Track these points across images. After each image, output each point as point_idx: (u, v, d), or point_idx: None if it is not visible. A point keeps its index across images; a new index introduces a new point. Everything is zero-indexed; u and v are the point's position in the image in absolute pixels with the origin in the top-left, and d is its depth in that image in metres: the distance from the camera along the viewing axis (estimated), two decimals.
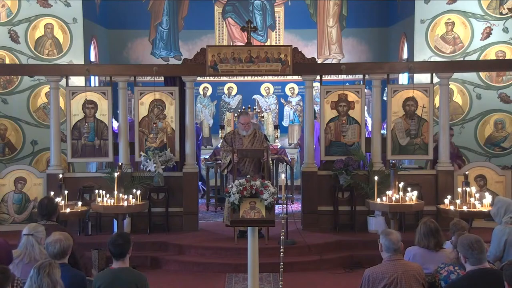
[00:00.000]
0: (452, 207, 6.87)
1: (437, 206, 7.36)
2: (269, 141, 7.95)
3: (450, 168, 8.26)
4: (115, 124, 8.79)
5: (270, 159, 7.55)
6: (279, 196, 7.65)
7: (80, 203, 7.34)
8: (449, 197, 7.06)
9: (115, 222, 7.31)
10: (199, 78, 9.11)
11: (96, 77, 10.50)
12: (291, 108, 12.33)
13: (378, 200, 7.07)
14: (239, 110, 11.31)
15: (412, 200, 7.01)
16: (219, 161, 9.62)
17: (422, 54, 9.75)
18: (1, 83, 9.63)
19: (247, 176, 6.25)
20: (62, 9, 9.63)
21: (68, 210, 6.96)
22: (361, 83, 8.67)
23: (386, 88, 8.49)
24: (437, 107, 8.84)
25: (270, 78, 11.71)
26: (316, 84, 9.37)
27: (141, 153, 8.26)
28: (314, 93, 8.75)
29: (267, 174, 7.31)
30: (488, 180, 8.24)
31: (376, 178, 7.21)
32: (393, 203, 6.95)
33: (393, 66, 8.75)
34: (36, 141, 9.64)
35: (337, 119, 8.36)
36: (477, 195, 6.85)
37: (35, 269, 3.66)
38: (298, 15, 12.11)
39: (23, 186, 8.24)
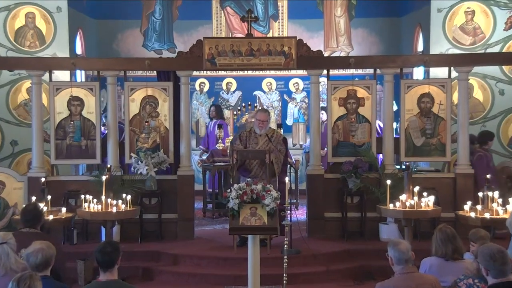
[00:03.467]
0: (472, 214, 6.82)
1: (456, 212, 7.33)
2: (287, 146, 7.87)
3: (470, 170, 8.23)
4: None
5: (279, 163, 7.48)
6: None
7: (64, 209, 7.30)
8: (469, 202, 7.02)
9: (103, 230, 7.28)
10: (195, 73, 9.09)
11: (83, 72, 10.48)
12: (295, 106, 12.32)
13: (391, 205, 7.04)
14: (238, 108, 11.29)
15: (428, 206, 6.98)
16: (217, 163, 9.63)
17: (439, 46, 9.72)
18: None
19: (248, 179, 6.23)
20: None
21: (51, 217, 6.93)
22: (372, 78, 8.65)
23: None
24: (455, 104, 8.82)
25: (272, 72, 11.69)
26: (323, 79, 9.35)
27: (132, 154, 8.25)
28: (320, 89, 8.73)
29: (270, 176, 7.27)
30: None
31: (388, 181, 7.18)
32: (407, 209, 6.92)
33: (406, 60, 8.73)
34: (16, 141, 9.63)
35: (346, 117, 8.35)
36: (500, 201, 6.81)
37: (14, 282, 3.62)
38: (303, 4, 12.10)
39: (1, 190, 8.22)
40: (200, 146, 10.89)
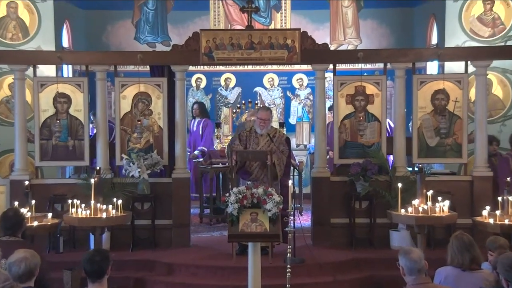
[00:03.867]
0: (491, 220, 6.80)
1: (473, 218, 7.30)
2: (290, 147, 7.86)
3: (488, 173, 8.22)
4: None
5: (281, 164, 7.46)
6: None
7: (50, 214, 7.28)
8: (487, 208, 7.01)
9: (92, 237, 7.26)
10: (191, 68, 9.11)
11: (70, 66, 10.49)
12: (299, 103, 12.31)
13: (402, 211, 7.02)
14: (238, 106, 11.29)
15: (443, 211, 6.96)
16: (215, 165, 9.62)
17: (455, 39, 9.70)
18: None
19: (248, 183, 6.22)
20: None
21: (35, 223, 6.91)
22: (382, 74, 8.64)
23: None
24: (472, 101, 8.80)
25: (274, 67, 11.70)
26: (329, 75, 9.34)
27: (123, 155, 8.24)
28: (326, 85, 8.72)
29: (271, 179, 7.26)
30: None
31: (399, 185, 7.17)
32: (420, 214, 6.90)
33: (419, 53, 8.71)
34: None
35: (353, 115, 8.34)
36: None
37: None
38: None
39: None
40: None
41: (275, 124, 11.15)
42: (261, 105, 11.43)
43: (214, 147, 10.53)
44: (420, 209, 6.91)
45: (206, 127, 10.41)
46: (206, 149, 10.50)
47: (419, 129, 8.31)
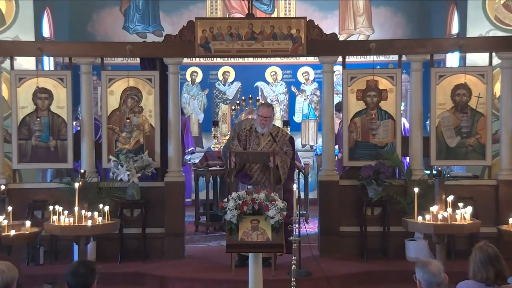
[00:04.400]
0: None
1: (498, 227, 7.28)
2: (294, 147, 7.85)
3: None
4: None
5: (285, 167, 7.46)
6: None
7: (29, 222, 7.26)
8: None
9: (76, 247, 7.26)
10: (185, 60, 9.09)
11: (51, 58, 10.47)
12: (304, 99, 12.31)
13: (419, 218, 7.01)
14: (237, 102, 11.28)
15: (465, 219, 6.94)
16: (212, 167, 9.62)
17: (478, 28, 9.68)
18: None
19: (248, 187, 6.21)
20: None
21: (12, 232, 6.89)
22: (396, 67, 8.63)
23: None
24: (497, 97, 8.79)
25: (277, 60, 11.70)
26: (338, 68, 9.32)
27: (111, 157, 8.24)
28: (335, 79, 8.72)
29: (274, 182, 7.25)
30: None
31: (416, 189, 7.15)
32: (439, 222, 6.88)
33: (438, 44, 8.70)
34: None
35: (365, 113, 8.34)
36: None
37: None
38: None
39: None
40: None
41: (278, 123, 11.18)
42: (263, 101, 11.43)
43: (212, 147, 10.53)
44: (439, 216, 6.89)
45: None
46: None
47: (437, 128, 8.30)
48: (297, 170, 9.70)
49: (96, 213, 7.07)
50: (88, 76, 8.40)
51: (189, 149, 10.36)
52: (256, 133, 7.61)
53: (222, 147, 9.70)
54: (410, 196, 7.56)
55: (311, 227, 9.60)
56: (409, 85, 8.91)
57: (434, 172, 8.09)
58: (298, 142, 12.01)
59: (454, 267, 5.78)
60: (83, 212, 6.99)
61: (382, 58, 10.60)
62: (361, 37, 12.14)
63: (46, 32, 10.90)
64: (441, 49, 8.87)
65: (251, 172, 7.48)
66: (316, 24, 8.31)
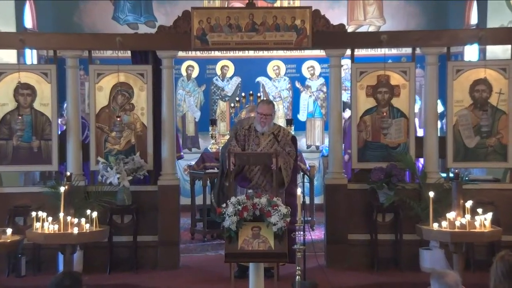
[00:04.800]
0: None
1: None
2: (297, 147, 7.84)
3: None
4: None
5: (288, 169, 7.45)
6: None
7: (10, 230, 7.26)
8: None
9: (61, 257, 7.26)
10: (180, 54, 9.09)
11: (34, 51, 10.47)
12: (310, 96, 12.30)
13: (435, 225, 7.00)
14: (237, 99, 11.28)
15: (484, 226, 6.93)
16: (209, 169, 9.61)
17: (499, 18, 9.69)
18: None
19: (249, 191, 6.21)
20: None
21: None
22: (410, 60, 8.63)
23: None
24: None
25: (281, 53, 11.69)
26: (346, 62, 9.30)
27: (99, 158, 8.24)
28: (343, 74, 8.70)
29: (276, 186, 7.23)
30: None
31: (431, 194, 7.14)
32: (456, 230, 6.87)
33: (455, 36, 8.69)
34: None
35: (375, 110, 8.35)
36: None
37: None
38: None
39: None
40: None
41: (281, 121, 11.17)
42: (264, 98, 11.42)
43: (209, 148, 10.53)
44: (457, 223, 6.88)
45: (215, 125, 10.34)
46: (182, 155, 10.54)
47: (455, 127, 8.30)
48: (301, 173, 9.71)
49: (83, 220, 7.06)
50: (75, 70, 8.40)
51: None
52: (256, 133, 7.58)
53: (220, 148, 9.68)
54: (425, 201, 7.55)
55: (317, 234, 9.60)
56: (424, 80, 8.89)
57: (451, 175, 8.07)
58: (303, 143, 12.00)
59: (473, 279, 5.80)
60: (69, 218, 6.98)
61: (394, 51, 10.62)
62: (372, 28, 12.14)
63: (29, 22, 10.90)
64: (458, 41, 8.85)
65: (250, 175, 7.46)
66: (322, 14, 8.31)
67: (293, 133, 10.29)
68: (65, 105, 8.77)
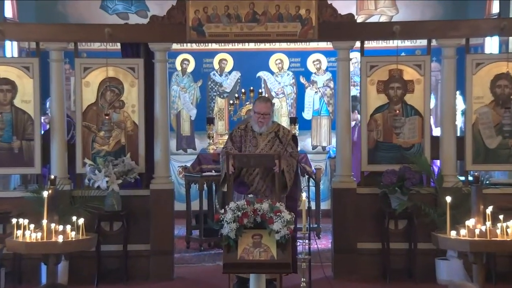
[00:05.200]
0: None
1: None
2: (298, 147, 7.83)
3: None
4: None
5: (291, 171, 7.44)
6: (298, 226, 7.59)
7: None
8: None
9: (44, 268, 7.24)
10: (175, 46, 9.06)
11: (15, 43, 10.46)
12: (316, 92, 12.30)
13: (453, 233, 6.98)
14: (236, 95, 11.28)
15: (507, 234, 6.92)
16: (206, 172, 9.60)
17: None
18: None
19: (250, 196, 6.20)
20: None
21: None
22: (425, 53, 8.63)
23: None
24: None
25: (284, 46, 11.68)
26: (355, 55, 9.30)
27: (86, 160, 8.24)
28: (352, 68, 8.70)
29: (279, 191, 7.22)
30: None
31: (448, 199, 7.12)
32: (476, 238, 6.85)
33: (475, 26, 8.67)
34: None
35: (387, 108, 8.35)
36: None
37: None
38: None
39: None
40: None
41: (284, 120, 11.18)
42: (261, 95, 11.40)
43: (206, 149, 10.53)
44: (477, 231, 6.86)
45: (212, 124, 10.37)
46: None
47: (474, 125, 8.30)
48: (307, 176, 9.71)
49: (68, 227, 7.03)
50: (59, 64, 8.39)
51: None
52: (253, 133, 7.49)
53: (221, 151, 9.67)
54: (442, 207, 7.57)
55: (323, 243, 9.59)
56: (440, 75, 8.89)
57: (470, 178, 8.07)
58: (308, 143, 12.02)
59: None
60: (52, 225, 6.97)
61: (408, 43, 10.62)
62: (383, 19, 12.14)
63: (9, 12, 10.89)
64: (479, 32, 8.85)
65: (249, 179, 7.38)
66: (329, 3, 8.31)
67: (297, 132, 10.36)
68: (48, 102, 8.77)
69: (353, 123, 9.52)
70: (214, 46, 11.74)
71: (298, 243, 6.50)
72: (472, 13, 11.57)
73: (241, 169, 7.35)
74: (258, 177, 7.36)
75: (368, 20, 12.05)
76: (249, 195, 6.90)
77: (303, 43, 11.19)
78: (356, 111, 10.13)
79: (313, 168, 10.12)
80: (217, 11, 8.19)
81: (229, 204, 6.02)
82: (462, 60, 8.39)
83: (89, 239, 7.25)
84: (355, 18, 8.72)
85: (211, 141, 10.46)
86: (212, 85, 12.36)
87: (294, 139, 7.71)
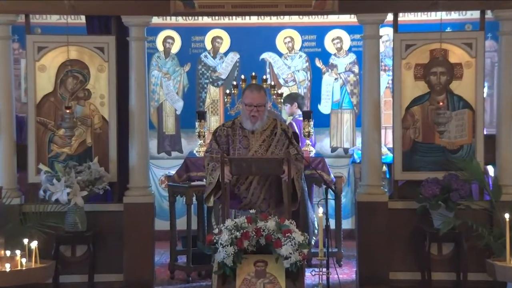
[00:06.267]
0: None
1: None
2: (299, 144, 7.78)
3: None
4: None
5: (300, 179, 7.40)
6: (312, 250, 7.56)
7: None
8: None
9: None
10: (155, 20, 9.05)
11: None
12: (336, 79, 12.27)
13: None
14: (234, 83, 11.24)
15: None
16: (195, 181, 9.56)
17: None
18: None
19: (251, 211, 6.16)
20: None
21: None
22: (477, 28, 8.62)
23: None
24: None
25: (295, 19, 11.64)
26: (387, 31, 9.28)
27: (41, 166, 8.26)
28: (382, 48, 8.69)
29: (289, 204, 7.17)
30: None
31: (507, 216, 7.11)
32: None
33: None
34: None
35: (428, 99, 8.39)
36: None
37: None
38: None
39: None
40: None
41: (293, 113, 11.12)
42: (272, 82, 11.36)
43: (195, 152, 10.46)
44: None
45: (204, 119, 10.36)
46: None
47: None
48: (324, 186, 9.66)
49: (18, 252, 7.05)
50: (6, 42, 8.43)
51: None
52: (243, 131, 7.34)
53: (204, 154, 9.62)
54: (499, 227, 7.61)
55: (345, 272, 9.55)
56: (497, 56, 8.87)
57: None
58: (326, 144, 12.00)
59: None
60: None
61: (454, 15, 10.58)
62: None
63: None
64: None
65: (239, 191, 7.25)
66: None
67: (312, 130, 10.30)
68: None
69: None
70: (205, 20, 11.72)
71: (313, 273, 6.48)
72: None
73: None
74: (252, 186, 7.25)
75: None
76: (250, 210, 6.84)
77: (319, 17, 11.18)
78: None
79: (332, 176, 10.05)
80: None
81: (225, 221, 6.00)
82: None
83: (45, 268, 7.26)
84: None
85: (201, 141, 10.40)
86: (203, 70, 12.33)
87: (295, 136, 7.61)
